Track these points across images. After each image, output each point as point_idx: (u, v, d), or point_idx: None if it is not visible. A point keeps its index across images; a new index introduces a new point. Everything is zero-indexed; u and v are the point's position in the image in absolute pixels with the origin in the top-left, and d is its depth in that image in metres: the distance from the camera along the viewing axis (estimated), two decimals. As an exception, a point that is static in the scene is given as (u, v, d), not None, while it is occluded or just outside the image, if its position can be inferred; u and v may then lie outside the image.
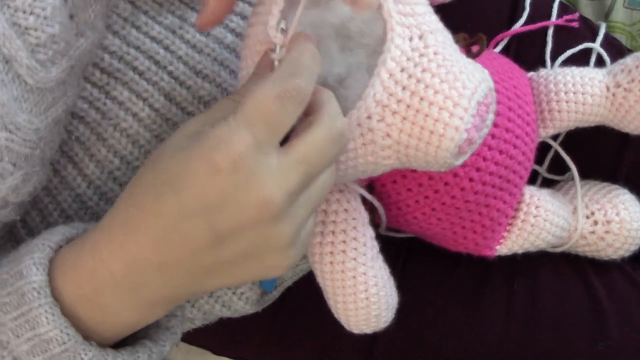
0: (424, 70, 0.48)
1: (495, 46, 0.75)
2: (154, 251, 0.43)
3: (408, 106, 0.48)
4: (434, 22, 0.51)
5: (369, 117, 0.48)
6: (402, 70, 0.48)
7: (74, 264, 0.46)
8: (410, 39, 0.49)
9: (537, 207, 0.65)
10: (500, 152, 0.60)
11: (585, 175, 0.72)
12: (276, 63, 0.46)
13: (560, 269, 0.71)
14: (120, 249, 0.44)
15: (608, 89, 0.65)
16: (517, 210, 0.65)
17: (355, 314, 0.57)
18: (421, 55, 0.49)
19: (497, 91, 0.60)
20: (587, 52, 0.75)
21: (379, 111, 0.49)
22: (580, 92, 0.65)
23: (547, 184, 0.74)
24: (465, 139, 0.48)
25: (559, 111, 0.66)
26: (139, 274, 0.44)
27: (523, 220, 0.65)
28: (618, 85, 0.64)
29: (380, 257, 0.58)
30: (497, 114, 0.59)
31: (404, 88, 0.48)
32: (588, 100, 0.65)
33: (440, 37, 0.50)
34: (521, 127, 0.62)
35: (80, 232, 0.49)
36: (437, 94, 0.48)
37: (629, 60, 0.65)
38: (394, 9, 0.48)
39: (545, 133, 0.68)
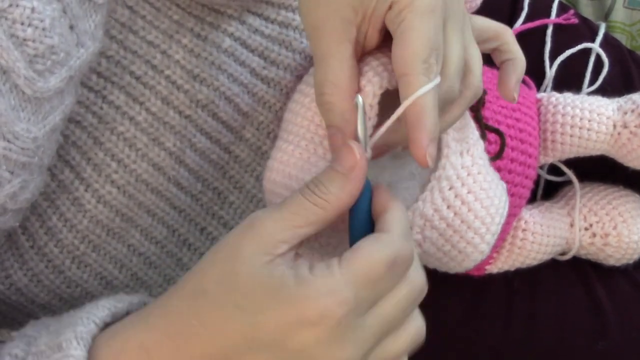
0: (469, 192, 0.50)
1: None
2: None
3: (448, 225, 0.50)
4: (473, 131, 0.52)
5: (410, 228, 0.48)
6: (451, 188, 0.49)
7: (117, 354, 0.44)
8: (461, 154, 0.50)
9: (523, 230, 0.65)
10: (507, 182, 0.60)
11: (585, 174, 0.71)
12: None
13: (560, 269, 0.72)
14: (172, 358, 0.43)
15: (615, 126, 0.64)
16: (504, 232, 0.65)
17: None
18: (468, 174, 0.50)
19: (500, 122, 0.60)
20: (587, 52, 0.75)
21: (420, 224, 0.50)
22: (586, 128, 0.64)
23: (548, 188, 0.74)
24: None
25: (562, 143, 0.65)
26: None
27: (510, 243, 0.66)
28: (625, 126, 0.63)
29: None
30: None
31: (448, 207, 0.49)
32: (592, 137, 0.64)
33: (480, 148, 0.51)
34: (524, 156, 0.62)
35: (126, 306, 0.48)
36: (476, 220, 0.50)
37: None
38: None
39: (544, 160, 0.68)
